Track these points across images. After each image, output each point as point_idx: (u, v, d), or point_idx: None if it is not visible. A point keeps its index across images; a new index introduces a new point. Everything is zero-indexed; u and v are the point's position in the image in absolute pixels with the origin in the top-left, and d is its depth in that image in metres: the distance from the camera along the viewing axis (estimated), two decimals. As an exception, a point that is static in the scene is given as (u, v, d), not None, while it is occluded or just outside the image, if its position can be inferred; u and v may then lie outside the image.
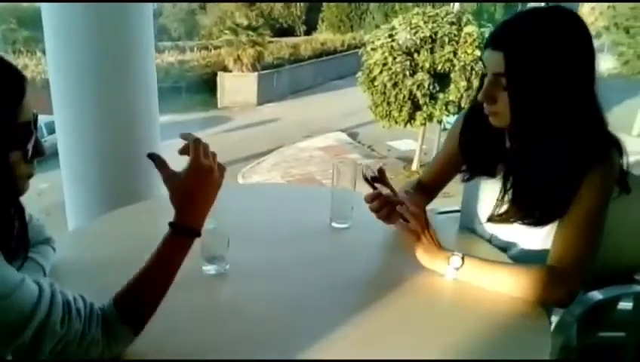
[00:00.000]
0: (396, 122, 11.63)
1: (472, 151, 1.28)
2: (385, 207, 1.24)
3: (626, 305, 1.39)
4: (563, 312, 1.19)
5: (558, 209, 1.09)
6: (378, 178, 1.25)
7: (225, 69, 18.18)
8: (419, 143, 12.18)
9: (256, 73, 17.83)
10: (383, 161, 12.67)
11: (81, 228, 1.59)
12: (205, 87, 17.92)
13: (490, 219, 1.21)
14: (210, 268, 1.09)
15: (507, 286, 1.05)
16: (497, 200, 1.19)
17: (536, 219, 1.12)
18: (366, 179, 1.24)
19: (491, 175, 1.25)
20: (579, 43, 1.06)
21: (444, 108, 11.37)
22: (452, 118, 12.34)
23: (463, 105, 11.13)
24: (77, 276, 1.08)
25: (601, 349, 1.47)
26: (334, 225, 1.34)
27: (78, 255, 1.19)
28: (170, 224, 0.86)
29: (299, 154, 12.86)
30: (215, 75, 18.07)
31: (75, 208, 1.79)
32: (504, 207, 1.18)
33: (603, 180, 1.08)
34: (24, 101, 0.72)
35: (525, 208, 1.13)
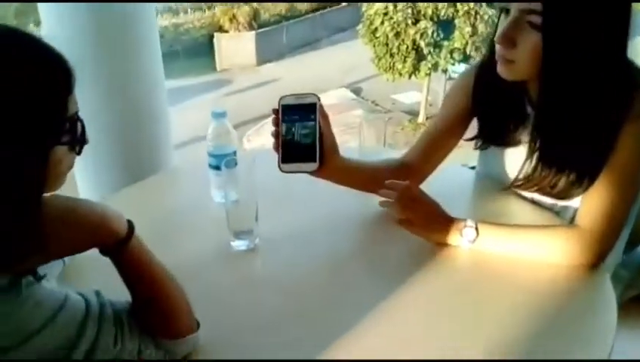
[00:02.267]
0: (400, 74, 11.36)
1: (487, 114, 1.11)
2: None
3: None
4: (616, 266, 1.12)
5: (592, 173, 0.95)
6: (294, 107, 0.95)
7: (221, 30, 17.72)
8: (424, 94, 11.94)
9: (253, 32, 17.37)
10: (389, 115, 12.47)
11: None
12: (202, 49, 17.53)
13: (513, 185, 1.07)
14: (239, 244, 1.01)
15: (531, 252, 0.95)
16: (522, 165, 1.04)
17: (566, 188, 0.98)
18: (279, 103, 0.96)
19: (511, 143, 1.09)
20: None
21: (449, 56, 11.08)
22: (458, 67, 12.06)
23: (468, 52, 10.84)
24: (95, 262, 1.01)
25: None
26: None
27: None
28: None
29: (303, 113, 12.65)
30: (212, 36, 17.62)
31: (87, 184, 1.72)
32: (527, 172, 1.03)
33: None
34: (73, 93, 0.65)
35: (554, 173, 0.99)
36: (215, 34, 17.55)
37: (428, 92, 11.91)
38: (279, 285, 0.93)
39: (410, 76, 11.38)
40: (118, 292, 0.70)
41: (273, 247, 1.02)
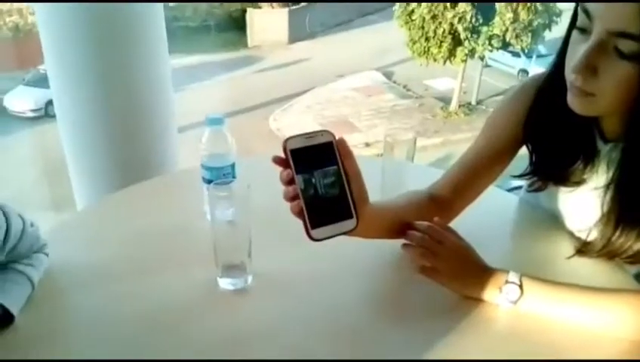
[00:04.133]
0: (435, 59, 11.00)
1: (546, 147, 0.89)
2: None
3: None
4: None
5: None
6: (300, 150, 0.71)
7: (255, 5, 17.49)
8: (458, 81, 11.52)
9: (286, 9, 17.09)
10: (420, 100, 12.12)
11: (91, 209, 1.35)
12: (235, 24, 17.38)
13: (580, 252, 0.87)
14: (227, 282, 0.84)
15: (590, 322, 0.76)
16: (591, 226, 0.83)
17: None
18: (284, 149, 0.70)
19: (572, 183, 0.89)
20: None
21: (487, 42, 10.63)
22: (496, 54, 11.58)
23: (507, 39, 10.38)
24: (85, 269, 0.87)
25: None
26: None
27: (87, 242, 0.99)
28: None
29: (332, 96, 12.41)
30: (244, 11, 17.42)
31: (82, 185, 1.57)
32: (596, 234, 0.83)
33: None
34: None
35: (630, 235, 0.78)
36: (248, 9, 17.34)
37: (462, 79, 11.49)
38: (273, 339, 0.75)
39: (445, 62, 11.00)
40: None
41: (268, 289, 0.85)
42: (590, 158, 0.86)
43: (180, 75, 9.33)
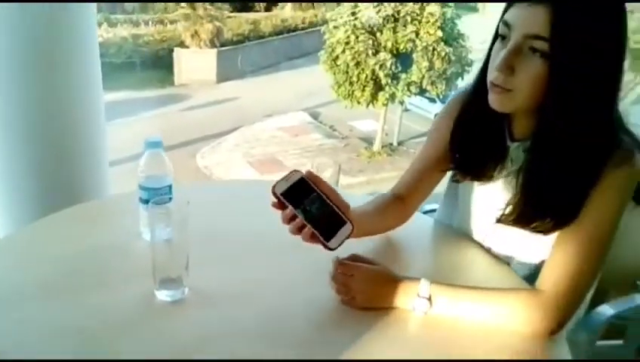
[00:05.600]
0: (358, 102, 11.50)
1: (467, 150, 1.05)
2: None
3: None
4: (572, 330, 1.07)
5: (573, 210, 0.90)
6: (291, 188, 0.88)
7: (182, 45, 17.47)
8: (381, 123, 12.10)
9: (215, 50, 17.22)
10: (345, 141, 12.55)
11: (14, 236, 1.33)
12: (161, 63, 17.19)
13: (500, 221, 1.00)
14: (164, 294, 0.89)
15: (489, 318, 0.88)
16: (508, 201, 0.98)
17: (547, 224, 0.92)
18: (274, 194, 0.85)
19: (488, 180, 1.04)
20: (624, 16, 0.88)
21: (406, 88, 11.31)
22: (414, 99, 12.35)
23: (424, 86, 11.12)
24: (18, 287, 0.87)
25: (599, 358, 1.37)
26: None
27: (19, 262, 0.99)
28: None
29: (260, 135, 12.55)
30: (171, 50, 17.33)
31: (6, 211, 1.53)
32: (511, 209, 0.98)
33: (621, 186, 0.90)
34: None
35: (538, 210, 0.93)
36: (175, 48, 17.27)
37: (384, 121, 12.08)
38: (210, 346, 0.81)
39: (368, 105, 11.54)
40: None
41: (205, 300, 0.90)
42: (500, 156, 1.02)
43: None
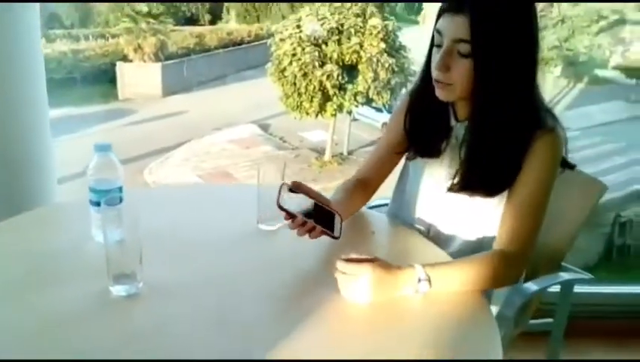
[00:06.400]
0: (307, 113, 11.60)
1: (418, 131, 1.28)
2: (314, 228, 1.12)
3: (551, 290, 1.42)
4: (501, 306, 1.17)
5: (510, 175, 1.13)
6: (295, 192, 1.14)
7: (125, 59, 17.03)
8: (330, 133, 12.26)
9: (159, 63, 16.88)
10: (296, 151, 12.61)
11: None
12: (104, 77, 16.65)
13: (451, 189, 1.22)
14: (119, 289, 0.92)
15: (472, 283, 1.03)
16: (455, 172, 1.21)
17: (489, 188, 1.16)
18: (281, 208, 1.08)
19: (436, 155, 1.27)
20: (534, 15, 1.12)
21: (353, 98, 11.53)
22: (362, 109, 12.59)
23: (370, 95, 11.38)
24: None
25: (529, 336, 1.49)
26: (262, 227, 1.22)
27: None
28: None
29: (209, 148, 12.41)
30: (114, 65, 16.86)
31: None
32: (458, 178, 1.21)
33: (549, 152, 1.11)
34: None
35: (479, 176, 1.15)
36: (118, 63, 16.83)
37: (334, 131, 12.25)
38: (163, 337, 0.85)
39: (316, 115, 11.67)
40: None
41: (159, 293, 0.94)
42: (446, 134, 1.25)
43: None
